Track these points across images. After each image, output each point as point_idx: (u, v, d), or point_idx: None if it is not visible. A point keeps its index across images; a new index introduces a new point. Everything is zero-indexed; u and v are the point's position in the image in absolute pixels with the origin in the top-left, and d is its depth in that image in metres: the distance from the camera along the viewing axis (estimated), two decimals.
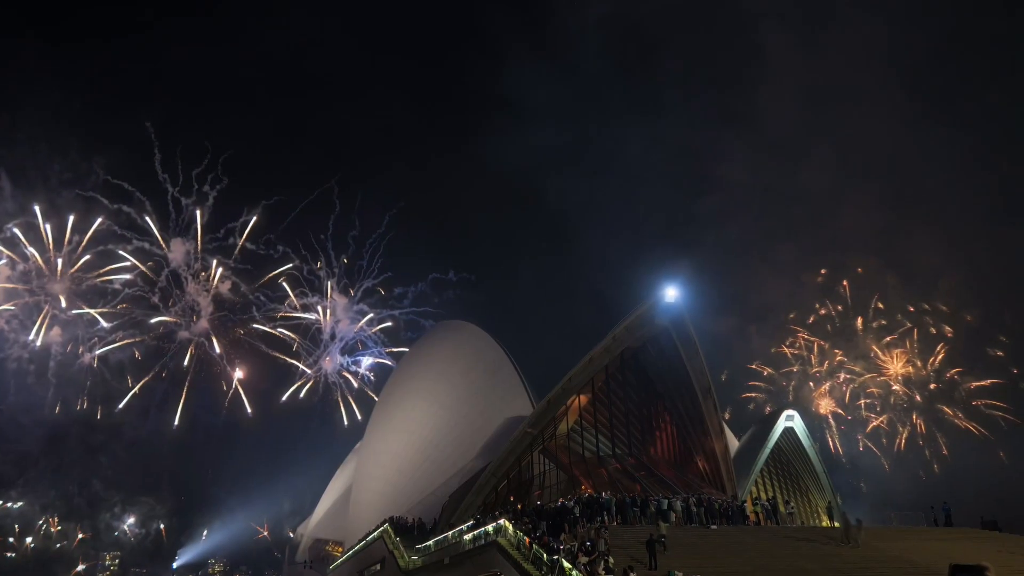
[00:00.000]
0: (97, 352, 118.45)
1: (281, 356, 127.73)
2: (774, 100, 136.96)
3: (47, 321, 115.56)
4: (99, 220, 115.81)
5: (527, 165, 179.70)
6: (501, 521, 37.22)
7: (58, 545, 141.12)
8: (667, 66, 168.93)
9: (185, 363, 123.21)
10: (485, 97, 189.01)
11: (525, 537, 33.86)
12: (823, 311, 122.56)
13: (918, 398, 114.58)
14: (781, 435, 71.51)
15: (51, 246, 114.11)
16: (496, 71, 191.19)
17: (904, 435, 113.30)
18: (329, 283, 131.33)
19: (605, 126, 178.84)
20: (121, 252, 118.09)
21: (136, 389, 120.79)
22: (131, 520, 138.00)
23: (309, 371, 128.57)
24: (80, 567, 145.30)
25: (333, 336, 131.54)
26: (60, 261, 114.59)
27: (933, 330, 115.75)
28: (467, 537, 41.81)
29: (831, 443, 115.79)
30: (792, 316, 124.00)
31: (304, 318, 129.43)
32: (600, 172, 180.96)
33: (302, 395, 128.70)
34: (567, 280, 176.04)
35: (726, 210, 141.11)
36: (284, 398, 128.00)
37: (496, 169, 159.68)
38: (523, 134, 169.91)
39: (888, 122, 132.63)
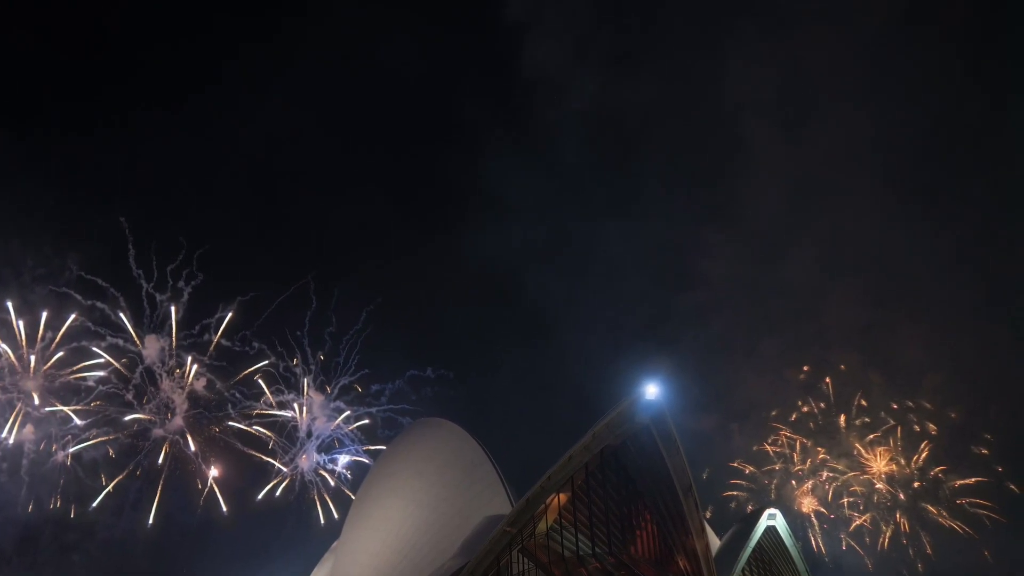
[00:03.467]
0: (71, 450, 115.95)
1: (257, 454, 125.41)
2: (756, 194, 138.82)
3: (20, 418, 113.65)
4: (72, 316, 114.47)
5: (505, 260, 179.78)
6: None
7: None
8: (648, 160, 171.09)
9: (159, 461, 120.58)
10: (463, 191, 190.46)
11: None
12: (806, 408, 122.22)
13: (902, 496, 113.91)
14: (763, 534, 70.95)
15: (24, 343, 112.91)
16: (474, 165, 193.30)
17: (888, 534, 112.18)
18: (305, 380, 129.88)
19: (585, 220, 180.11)
20: (95, 349, 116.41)
21: (110, 487, 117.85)
22: None
23: (285, 469, 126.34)
24: None
25: (309, 434, 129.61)
26: (33, 358, 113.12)
27: (917, 427, 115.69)
28: None
29: (814, 542, 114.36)
30: (774, 413, 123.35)
31: (280, 415, 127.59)
32: (580, 267, 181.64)
33: (278, 493, 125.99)
34: (546, 376, 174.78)
35: (708, 305, 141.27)
36: (260, 496, 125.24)
37: (474, 264, 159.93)
38: (501, 228, 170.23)
39: (871, 216, 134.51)
